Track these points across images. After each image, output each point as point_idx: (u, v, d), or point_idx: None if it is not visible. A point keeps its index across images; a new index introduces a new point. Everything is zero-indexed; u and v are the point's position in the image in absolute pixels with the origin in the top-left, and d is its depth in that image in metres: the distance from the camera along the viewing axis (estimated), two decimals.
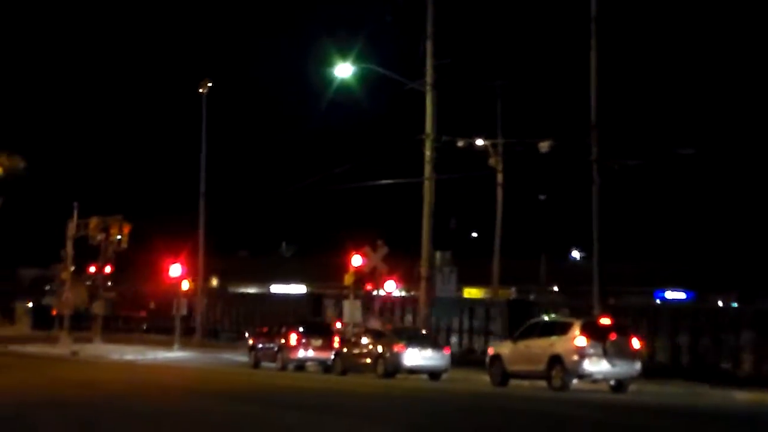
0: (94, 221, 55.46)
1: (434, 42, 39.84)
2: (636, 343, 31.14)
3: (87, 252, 57.86)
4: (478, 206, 61.55)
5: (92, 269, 58.85)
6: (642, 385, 31.68)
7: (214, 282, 55.65)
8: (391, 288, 45.97)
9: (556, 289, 70.19)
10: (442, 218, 48.34)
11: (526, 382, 32.28)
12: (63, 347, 50.17)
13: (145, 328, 68.40)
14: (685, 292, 67.68)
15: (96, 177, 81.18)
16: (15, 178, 73.36)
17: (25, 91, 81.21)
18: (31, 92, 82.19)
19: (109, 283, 59.21)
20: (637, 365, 30.84)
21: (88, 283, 58.95)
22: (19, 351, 48.11)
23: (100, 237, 54.86)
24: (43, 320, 69.76)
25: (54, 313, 60.05)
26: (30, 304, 77.01)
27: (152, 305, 67.26)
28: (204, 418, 18.98)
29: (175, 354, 48.22)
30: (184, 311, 52.86)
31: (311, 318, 50.47)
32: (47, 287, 68.54)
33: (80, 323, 60.91)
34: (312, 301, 57.09)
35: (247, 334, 54.44)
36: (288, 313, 54.19)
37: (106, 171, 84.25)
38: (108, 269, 56.30)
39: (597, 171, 35.04)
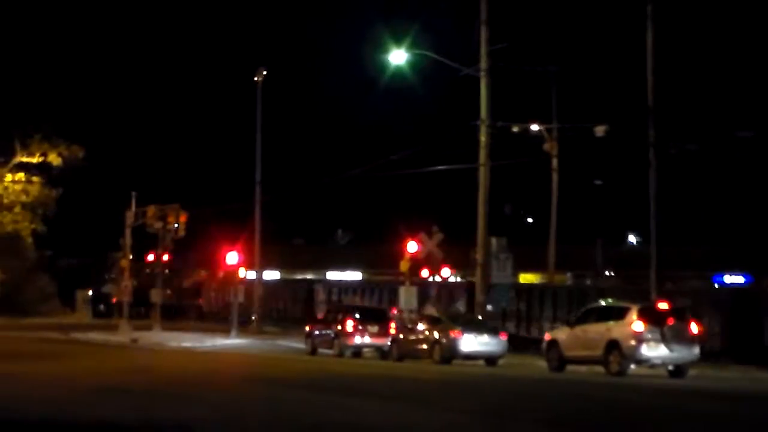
0: (151, 210, 56.04)
1: (489, 27, 39.74)
2: (694, 328, 30.93)
3: (145, 240, 58.51)
4: (534, 192, 61.31)
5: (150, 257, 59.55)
6: (701, 370, 31.47)
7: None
8: (447, 274, 45.98)
9: (612, 274, 69.75)
10: (497, 204, 48.32)
11: (583, 368, 32.21)
12: (123, 335, 50.79)
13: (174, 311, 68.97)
14: (744, 276, 66.96)
15: (153, 166, 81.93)
16: (74, 168, 74.38)
17: (83, 81, 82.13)
18: (88, 82, 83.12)
19: (167, 271, 59.86)
20: (696, 350, 30.64)
21: (147, 271, 59.67)
22: (80, 338, 48.77)
23: (157, 225, 55.44)
24: (102, 308, 70.69)
25: (114, 300, 60.81)
26: (90, 292, 78.04)
27: (168, 293, 67.51)
28: (261, 403, 19.17)
29: (232, 341, 48.61)
30: (241, 298, 53.25)
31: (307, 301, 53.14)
32: (107, 276, 69.38)
33: (139, 311, 61.70)
34: (306, 287, 64.09)
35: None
36: (287, 297, 64.56)
37: (163, 160, 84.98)
38: (166, 257, 56.89)
39: (654, 155, 34.81)
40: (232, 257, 52.21)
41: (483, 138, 39.72)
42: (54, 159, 74.23)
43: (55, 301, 79.42)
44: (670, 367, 30.66)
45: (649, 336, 30.03)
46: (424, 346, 36.27)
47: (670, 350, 30.09)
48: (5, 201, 74.86)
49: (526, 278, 63.99)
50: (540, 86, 49.99)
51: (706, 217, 71.80)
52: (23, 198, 75.07)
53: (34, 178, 75.28)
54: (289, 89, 78.28)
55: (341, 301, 58.34)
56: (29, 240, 76.72)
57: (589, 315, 32.62)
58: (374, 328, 39.84)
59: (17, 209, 75.05)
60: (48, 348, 39.07)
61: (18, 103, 72.47)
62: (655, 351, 30.08)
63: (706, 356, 32.60)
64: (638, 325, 30.11)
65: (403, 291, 43.84)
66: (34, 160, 74.67)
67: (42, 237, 77.32)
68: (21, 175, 75.37)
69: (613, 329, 30.58)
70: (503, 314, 44.35)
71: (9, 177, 75.31)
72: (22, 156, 74.67)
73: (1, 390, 20.36)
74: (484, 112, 39.91)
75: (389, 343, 38.38)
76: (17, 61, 74.29)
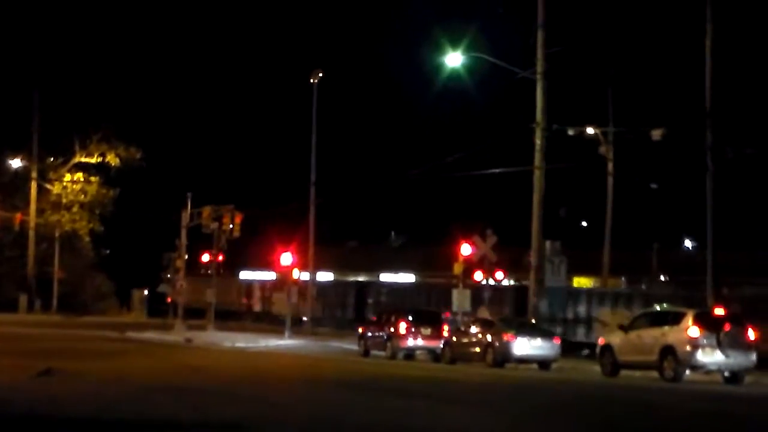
0: (207, 210, 56.45)
1: (545, 30, 39.56)
2: (751, 334, 30.55)
3: (200, 241, 58.92)
4: (589, 195, 60.93)
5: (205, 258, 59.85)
6: (758, 377, 31.08)
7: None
8: (500, 277, 45.81)
9: (667, 279, 69.09)
10: (552, 207, 48.05)
11: (637, 373, 31.93)
12: (177, 334, 51.17)
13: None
14: None
15: (209, 167, 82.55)
16: (131, 169, 75.19)
17: (141, 83, 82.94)
18: (146, 84, 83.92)
19: (221, 271, 60.22)
20: (753, 356, 30.25)
21: (201, 271, 60.06)
22: (136, 338, 49.21)
23: (212, 226, 55.81)
24: (158, 307, 71.25)
25: (169, 300, 61.28)
26: (146, 292, 78.77)
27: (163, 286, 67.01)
28: (314, 403, 19.21)
29: (285, 342, 48.77)
30: (294, 299, 53.41)
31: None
32: (162, 275, 69.84)
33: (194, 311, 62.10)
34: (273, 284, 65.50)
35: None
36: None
37: (219, 161, 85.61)
38: (220, 258, 57.24)
39: (711, 159, 34.46)
40: (286, 258, 52.39)
41: (538, 141, 39.56)
42: (112, 159, 75.15)
43: (112, 299, 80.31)
44: (726, 374, 30.30)
45: (705, 342, 29.71)
46: (477, 349, 36.18)
47: (726, 356, 29.74)
48: (64, 200, 75.93)
49: (579, 282, 63.60)
50: (596, 89, 49.69)
51: (764, 221, 70.87)
52: (81, 198, 76.10)
53: (93, 178, 76.28)
54: (345, 91, 78.54)
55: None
56: (87, 239, 77.70)
57: (643, 320, 32.35)
58: (427, 331, 39.79)
59: (75, 209, 76.09)
60: (103, 346, 39.50)
61: (78, 104, 73.45)
62: (710, 357, 29.76)
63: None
64: (694, 331, 29.81)
65: (456, 294, 43.77)
66: (93, 160, 75.66)
67: (99, 236, 78.29)
68: (80, 175, 76.41)
69: (669, 334, 30.30)
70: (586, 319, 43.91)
71: (68, 177, 76.40)
72: (81, 156, 75.70)
73: (56, 387, 20.61)
74: (539, 115, 39.74)
75: (442, 346, 38.31)
76: (78, 64, 75.29)
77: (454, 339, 37.71)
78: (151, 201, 76.64)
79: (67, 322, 61.28)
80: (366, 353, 41.19)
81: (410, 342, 39.81)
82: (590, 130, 47.49)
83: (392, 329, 40.06)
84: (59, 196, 75.94)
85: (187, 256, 59.02)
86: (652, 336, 30.83)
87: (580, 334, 44.57)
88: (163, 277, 61.56)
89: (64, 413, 16.05)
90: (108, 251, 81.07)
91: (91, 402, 17.97)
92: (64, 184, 76.09)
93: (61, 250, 75.76)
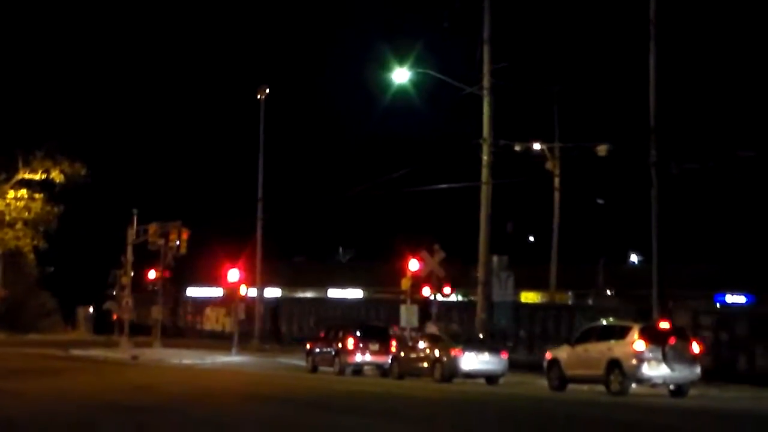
0: (153, 227, 56.09)
1: (491, 46, 39.76)
2: (696, 347, 30.85)
3: (146, 258, 58.48)
4: (535, 210, 61.29)
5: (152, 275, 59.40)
6: (703, 390, 31.37)
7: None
8: (448, 293, 45.85)
9: (613, 293, 69.58)
10: (499, 222, 48.27)
11: (584, 387, 32.12)
12: (123, 352, 50.73)
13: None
14: (746, 296, 66.82)
15: (155, 183, 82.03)
16: (76, 185, 74.39)
17: (86, 98, 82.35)
18: (91, 99, 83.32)
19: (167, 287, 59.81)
20: (697, 369, 30.55)
21: (148, 288, 59.63)
22: (81, 355, 48.71)
23: (159, 243, 55.43)
24: (103, 325, 70.60)
25: (114, 317, 60.73)
26: (91, 309, 77.99)
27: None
28: (261, 422, 19.09)
29: (233, 358, 48.51)
30: (242, 315, 53.14)
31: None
32: (108, 293, 69.25)
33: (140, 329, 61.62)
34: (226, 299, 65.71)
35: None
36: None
37: (165, 177, 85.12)
38: (167, 275, 56.86)
39: (656, 174, 34.78)
40: (233, 274, 52.10)
41: (485, 156, 39.71)
42: (56, 176, 74.27)
43: (56, 317, 79.43)
44: (671, 387, 30.56)
45: (651, 355, 29.94)
46: (425, 365, 36.19)
47: (671, 369, 30.00)
48: (7, 218, 74.86)
49: (527, 297, 63.90)
50: (542, 105, 50.03)
51: (708, 236, 71.70)
52: (25, 215, 75.06)
53: (37, 195, 75.28)
54: (292, 107, 78.47)
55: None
56: (31, 257, 76.71)
57: (590, 334, 32.52)
58: (375, 346, 39.73)
59: (19, 226, 75.04)
60: (48, 364, 39.01)
61: (21, 120, 72.65)
62: (656, 370, 29.99)
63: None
64: (639, 345, 30.04)
65: (404, 309, 43.75)
66: (37, 176, 74.71)
67: (43, 254, 77.35)
68: (23, 192, 75.41)
69: (615, 348, 30.51)
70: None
71: (11, 193, 75.35)
72: (25, 173, 74.75)
73: None
74: (486, 130, 39.89)
75: (390, 361, 38.28)
76: (22, 79, 74.55)
77: (402, 354, 37.69)
78: (97, 218, 75.96)
79: (10, 340, 60.51)
80: (314, 369, 41.05)
81: (358, 357, 39.72)
82: (537, 146, 47.85)
83: (340, 345, 39.95)
84: (2, 213, 74.89)
85: (133, 273, 58.57)
86: (599, 350, 31.02)
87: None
88: (108, 294, 61.09)
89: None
90: (52, 268, 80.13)
91: (32, 422, 17.71)
92: (8, 201, 75.00)
93: (5, 268, 74.78)
